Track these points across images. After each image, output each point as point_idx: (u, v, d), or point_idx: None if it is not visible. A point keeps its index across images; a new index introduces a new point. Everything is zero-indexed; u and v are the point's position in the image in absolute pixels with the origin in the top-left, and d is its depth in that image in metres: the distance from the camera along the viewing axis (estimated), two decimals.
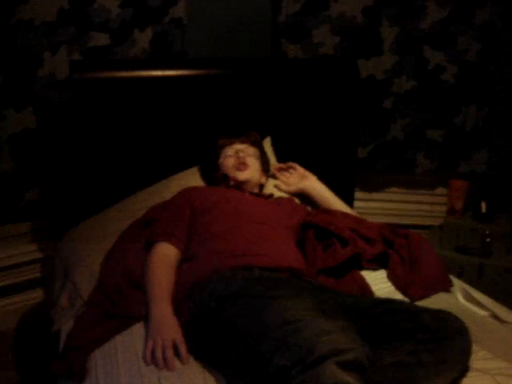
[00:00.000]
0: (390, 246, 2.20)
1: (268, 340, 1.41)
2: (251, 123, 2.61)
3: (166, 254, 1.97)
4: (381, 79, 3.17)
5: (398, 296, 1.99)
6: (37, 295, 2.94)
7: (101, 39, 2.71)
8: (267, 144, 2.72)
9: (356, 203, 3.08)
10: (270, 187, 2.57)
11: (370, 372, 1.32)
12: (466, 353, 1.56)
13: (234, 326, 1.54)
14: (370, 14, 3.06)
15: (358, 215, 2.47)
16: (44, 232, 2.89)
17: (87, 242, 2.29)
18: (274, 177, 2.63)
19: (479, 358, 1.61)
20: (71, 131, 2.53)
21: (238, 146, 2.44)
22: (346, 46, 3.10)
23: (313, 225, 2.20)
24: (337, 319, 1.46)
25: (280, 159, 2.72)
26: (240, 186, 2.34)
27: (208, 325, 1.63)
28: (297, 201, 2.52)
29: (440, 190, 3.45)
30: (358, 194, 3.27)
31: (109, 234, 2.26)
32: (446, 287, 2.06)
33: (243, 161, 2.37)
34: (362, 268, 2.14)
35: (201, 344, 1.64)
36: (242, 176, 2.36)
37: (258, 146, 2.53)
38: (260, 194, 2.41)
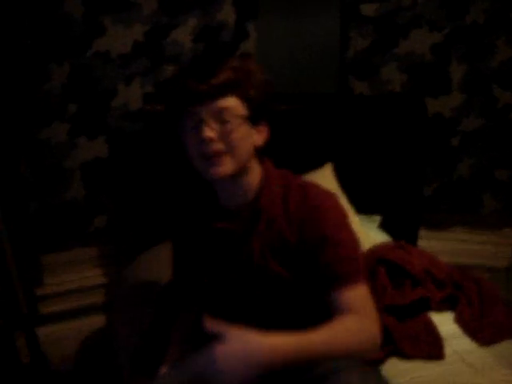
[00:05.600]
0: (459, 289, 2.16)
1: None
2: (318, 159, 2.62)
3: None
4: (448, 117, 3.14)
5: (465, 339, 1.94)
6: (99, 319, 2.97)
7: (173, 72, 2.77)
8: (328, 170, 2.66)
9: (419, 242, 3.04)
10: None
11: None
12: None
13: None
14: (438, 52, 3.06)
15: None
16: (111, 258, 2.94)
17: (151, 271, 2.32)
18: None
19: None
20: (142, 161, 2.59)
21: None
22: (413, 83, 3.09)
23: (387, 260, 2.18)
24: None
25: (347, 195, 2.69)
26: None
27: None
28: None
29: (506, 232, 3.37)
30: (421, 233, 3.22)
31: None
32: None
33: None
34: (430, 309, 2.09)
35: None
36: None
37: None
38: None
